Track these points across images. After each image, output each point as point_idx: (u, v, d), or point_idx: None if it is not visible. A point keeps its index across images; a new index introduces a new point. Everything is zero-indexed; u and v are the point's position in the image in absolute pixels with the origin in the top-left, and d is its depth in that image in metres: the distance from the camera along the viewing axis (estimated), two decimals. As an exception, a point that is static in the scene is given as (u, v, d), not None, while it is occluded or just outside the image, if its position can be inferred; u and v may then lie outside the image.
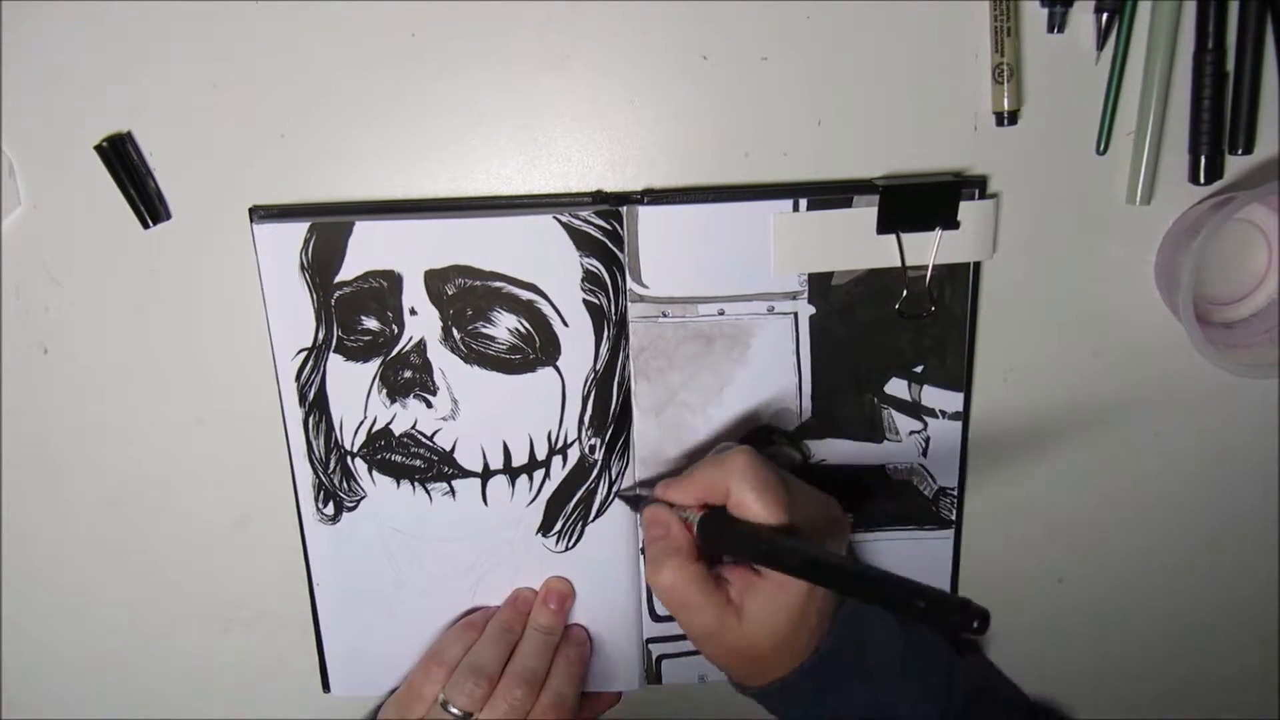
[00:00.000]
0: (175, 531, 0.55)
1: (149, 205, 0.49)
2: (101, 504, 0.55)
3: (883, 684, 0.48)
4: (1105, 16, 0.47)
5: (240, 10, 0.46)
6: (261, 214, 0.49)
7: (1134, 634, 0.59)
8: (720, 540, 0.45)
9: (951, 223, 0.49)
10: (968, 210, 0.49)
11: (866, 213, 0.48)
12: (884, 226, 0.48)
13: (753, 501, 0.43)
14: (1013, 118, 0.48)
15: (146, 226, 0.49)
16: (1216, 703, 0.61)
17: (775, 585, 0.44)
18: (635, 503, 0.53)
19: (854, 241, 0.49)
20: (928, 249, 0.49)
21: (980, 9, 0.47)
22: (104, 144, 0.48)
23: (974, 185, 0.49)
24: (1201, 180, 0.49)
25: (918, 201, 0.48)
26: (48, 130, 0.48)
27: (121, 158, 0.48)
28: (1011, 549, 0.57)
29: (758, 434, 0.53)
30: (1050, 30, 0.47)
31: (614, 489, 0.53)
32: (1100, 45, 0.48)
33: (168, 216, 0.49)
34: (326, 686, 0.57)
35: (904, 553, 0.56)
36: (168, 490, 0.54)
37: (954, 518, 0.55)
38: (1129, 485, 0.56)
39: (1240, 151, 0.48)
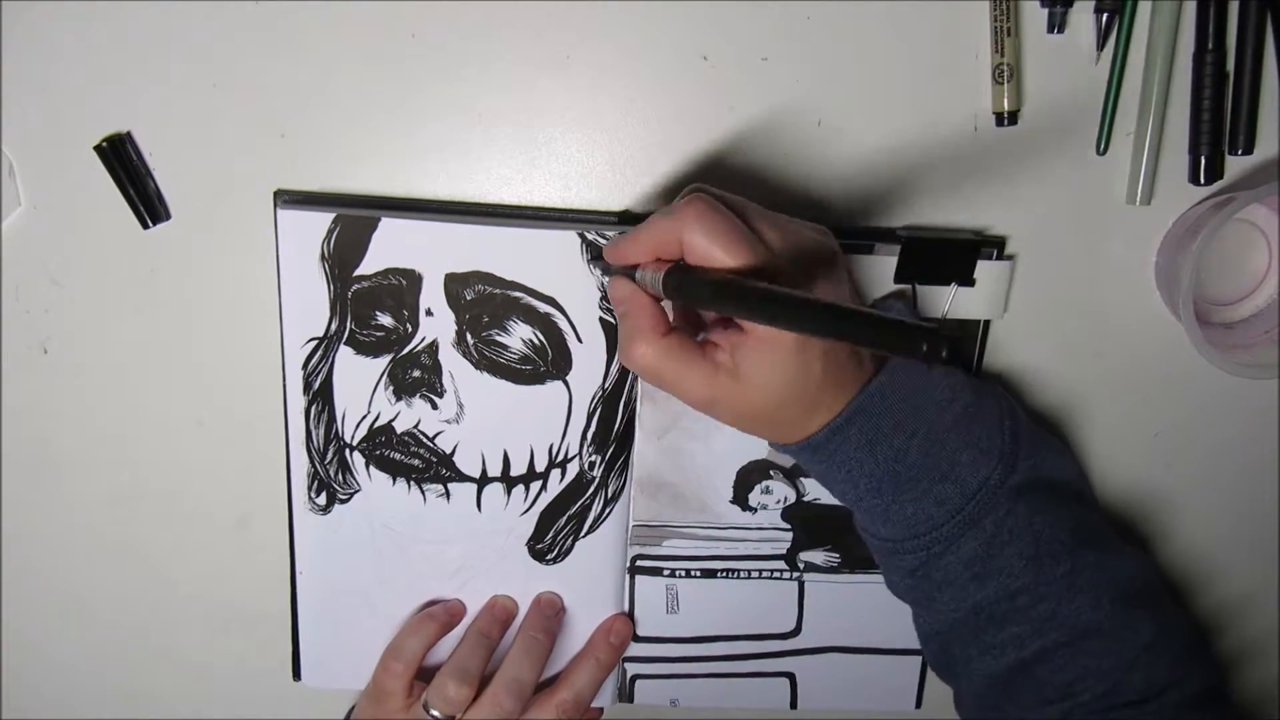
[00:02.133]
0: (175, 531, 0.55)
1: (149, 205, 0.49)
2: (101, 504, 0.55)
3: (939, 436, 0.44)
4: (1105, 16, 0.47)
5: (240, 10, 0.46)
6: (286, 199, 0.48)
7: (1134, 634, 0.59)
8: (682, 293, 0.39)
9: (968, 280, 0.49)
10: (984, 269, 0.49)
11: (886, 261, 0.49)
12: (901, 276, 0.49)
13: (708, 247, 0.38)
14: (1013, 118, 0.48)
15: (146, 226, 0.49)
16: (1216, 703, 0.61)
17: (761, 339, 0.40)
18: (605, 270, 0.48)
19: (872, 288, 0.49)
20: (941, 302, 0.50)
21: (980, 9, 0.47)
22: (104, 144, 0.48)
23: (993, 245, 0.49)
24: (1201, 180, 0.49)
25: (937, 256, 0.49)
26: (48, 130, 0.48)
27: (121, 158, 0.48)
28: (1011, 549, 0.57)
29: (754, 468, 0.52)
30: (1050, 30, 0.47)
31: (607, 509, 0.53)
32: (1100, 45, 0.48)
33: (167, 216, 0.49)
34: (297, 675, 0.57)
35: (884, 598, 0.53)
36: (168, 490, 0.54)
37: None
38: (1129, 485, 0.56)
39: (1240, 152, 0.48)
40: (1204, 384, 0.53)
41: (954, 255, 0.49)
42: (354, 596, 0.55)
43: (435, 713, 0.51)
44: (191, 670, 0.58)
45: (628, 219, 0.49)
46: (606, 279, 0.46)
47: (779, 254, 0.40)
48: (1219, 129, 0.48)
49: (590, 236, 0.48)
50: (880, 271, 0.49)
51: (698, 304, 0.39)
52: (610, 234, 0.48)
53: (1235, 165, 0.49)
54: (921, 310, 0.50)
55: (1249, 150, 0.48)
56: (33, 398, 0.52)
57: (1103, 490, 0.56)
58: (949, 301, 0.50)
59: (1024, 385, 0.53)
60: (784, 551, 0.55)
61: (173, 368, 0.52)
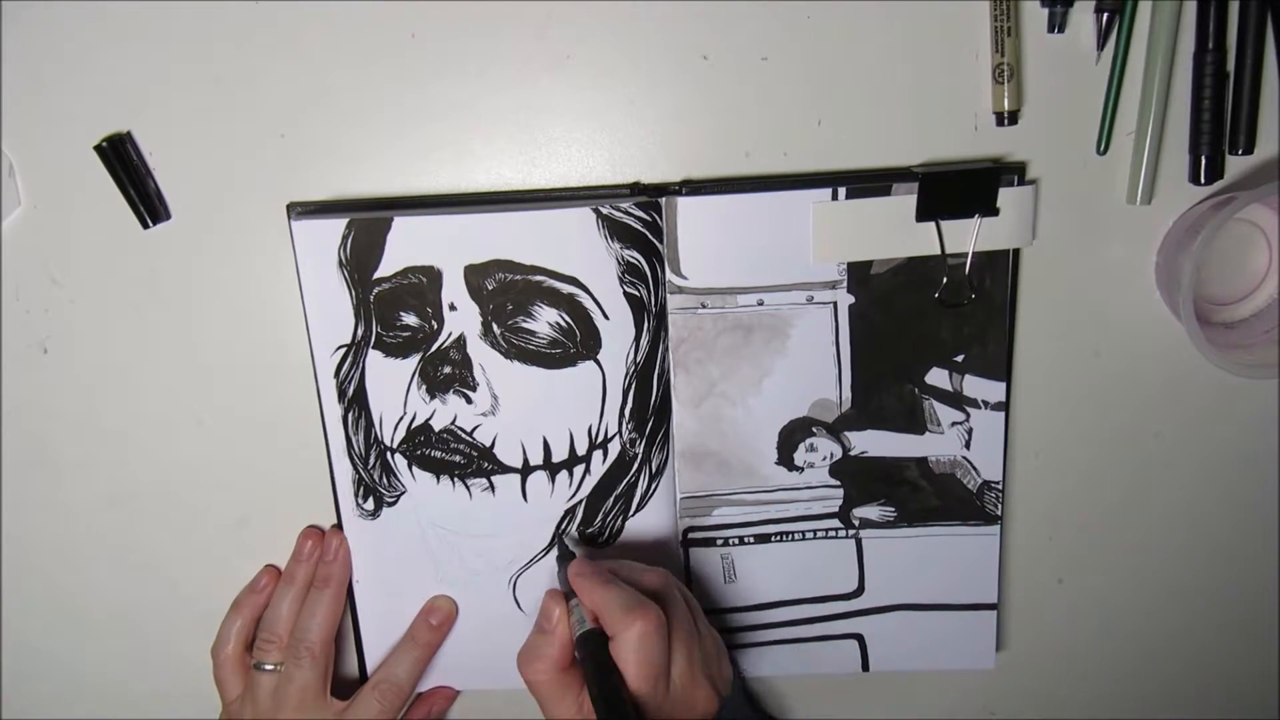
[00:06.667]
0: (175, 532, 0.55)
1: (149, 205, 0.49)
2: (101, 504, 0.55)
3: None
4: (1105, 16, 0.47)
5: (240, 10, 0.46)
6: (299, 210, 0.49)
7: (1134, 634, 0.59)
8: (584, 667, 0.45)
9: (991, 210, 0.48)
10: (1007, 196, 0.48)
11: (905, 201, 0.48)
12: (923, 214, 0.48)
13: (627, 664, 0.43)
14: (1013, 118, 0.48)
15: (146, 226, 0.49)
16: (1216, 703, 0.61)
17: None
18: (563, 560, 0.52)
19: (894, 230, 0.49)
20: (967, 236, 0.49)
21: (980, 9, 0.47)
22: (104, 144, 0.48)
23: (1013, 171, 0.49)
24: (1202, 180, 0.49)
25: (957, 189, 0.48)
26: (48, 130, 0.48)
27: (121, 158, 0.48)
28: (1011, 549, 0.57)
29: (797, 426, 0.53)
30: (1050, 30, 0.47)
31: (653, 484, 0.53)
32: (1100, 45, 0.48)
33: (168, 216, 0.50)
34: (365, 679, 0.56)
35: (948, 551, 0.55)
36: (168, 490, 0.54)
37: (999, 513, 0.55)
38: (1129, 485, 0.56)
39: (1240, 151, 0.48)
40: (1204, 384, 0.53)
41: (974, 186, 0.48)
42: (412, 598, 0.55)
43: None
44: (191, 670, 0.58)
45: (638, 190, 0.49)
46: (558, 574, 0.51)
47: (671, 697, 0.44)
48: (1219, 129, 0.48)
49: (605, 210, 0.48)
50: (900, 212, 0.48)
51: (587, 684, 0.45)
52: (623, 205, 0.48)
53: (1235, 165, 0.49)
54: (947, 246, 0.49)
55: (1249, 150, 0.48)
56: (33, 398, 0.52)
57: (1102, 491, 0.56)
58: (975, 234, 0.49)
59: (1024, 386, 0.53)
60: (836, 509, 0.54)
61: (173, 367, 0.52)
